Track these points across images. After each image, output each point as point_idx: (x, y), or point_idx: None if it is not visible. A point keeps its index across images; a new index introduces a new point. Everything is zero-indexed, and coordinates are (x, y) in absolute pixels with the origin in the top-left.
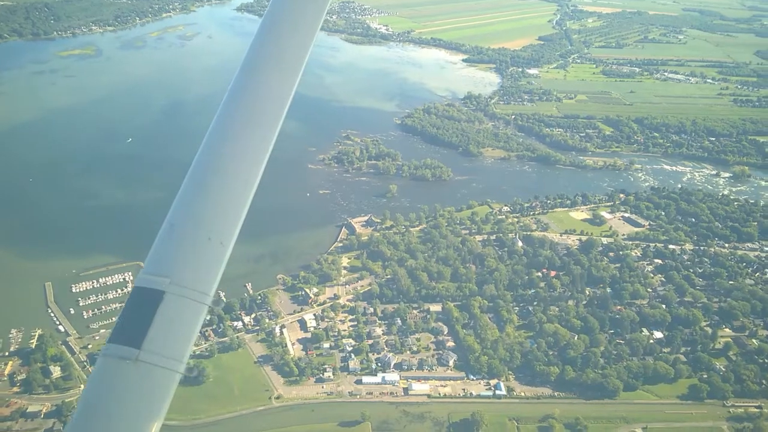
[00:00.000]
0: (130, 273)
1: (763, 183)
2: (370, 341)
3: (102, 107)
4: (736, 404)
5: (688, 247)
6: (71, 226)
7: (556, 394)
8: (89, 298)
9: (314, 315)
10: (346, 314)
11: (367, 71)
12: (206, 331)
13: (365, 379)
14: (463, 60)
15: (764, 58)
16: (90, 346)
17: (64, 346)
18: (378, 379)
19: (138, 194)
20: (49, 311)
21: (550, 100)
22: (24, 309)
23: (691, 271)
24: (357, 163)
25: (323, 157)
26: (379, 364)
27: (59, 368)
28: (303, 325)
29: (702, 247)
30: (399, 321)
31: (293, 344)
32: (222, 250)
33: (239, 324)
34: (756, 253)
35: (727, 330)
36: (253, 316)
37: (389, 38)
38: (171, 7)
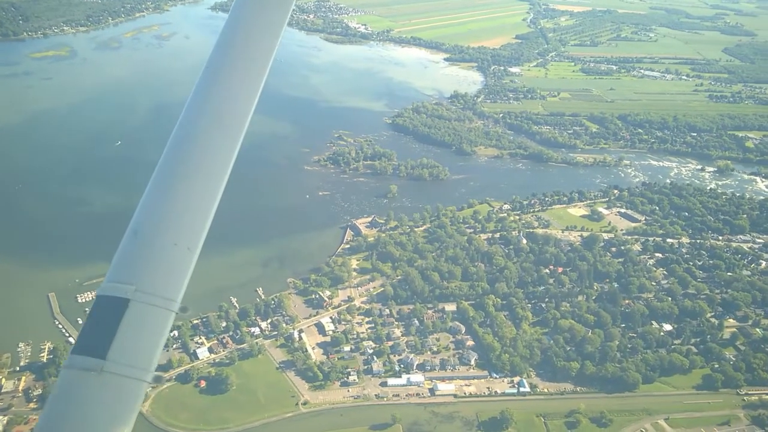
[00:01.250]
0: None
1: (745, 176)
2: (390, 343)
3: (86, 110)
4: (749, 392)
5: (685, 240)
6: (68, 235)
7: (578, 389)
8: None
9: (331, 318)
10: (362, 316)
11: (352, 71)
12: (224, 338)
13: (390, 381)
14: (445, 59)
15: (732, 55)
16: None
17: None
18: (403, 380)
19: (133, 199)
20: (57, 323)
21: (534, 98)
22: (30, 321)
23: (691, 263)
24: (353, 164)
25: (318, 158)
26: (402, 366)
27: None
28: (321, 328)
29: (698, 241)
30: (416, 321)
31: (313, 348)
32: (188, 256)
33: (256, 330)
34: (749, 245)
35: (731, 321)
36: (269, 321)
37: (369, 37)
38: (144, 6)
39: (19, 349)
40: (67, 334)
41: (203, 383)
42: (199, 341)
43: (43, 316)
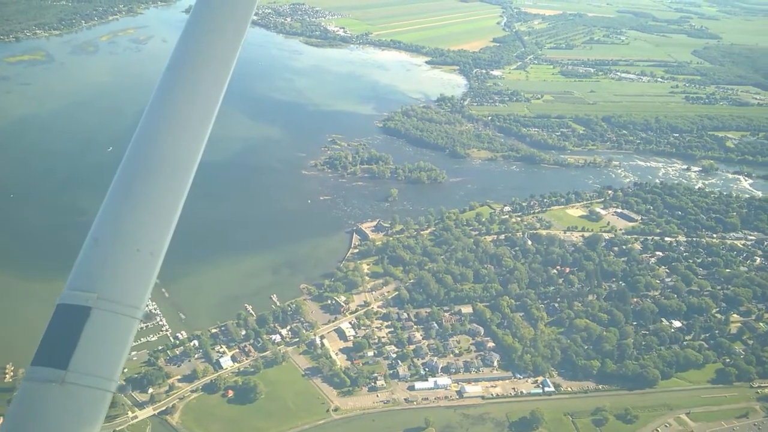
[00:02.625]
0: None
1: (729, 176)
2: (412, 346)
3: (71, 115)
4: (762, 385)
5: (681, 239)
6: (69, 245)
7: (599, 386)
8: None
9: (350, 323)
10: (380, 321)
11: (336, 74)
12: (245, 346)
13: (417, 384)
14: (426, 62)
15: (701, 57)
16: (126, 370)
17: None
18: (430, 384)
19: None
20: None
21: (519, 100)
22: (41, 334)
23: (690, 261)
24: (350, 168)
25: (315, 163)
26: (427, 369)
27: None
28: (341, 334)
29: (694, 239)
30: (435, 324)
31: (336, 354)
32: (152, 261)
33: (277, 337)
34: (742, 242)
35: (735, 316)
36: (288, 328)
37: (349, 41)
38: (116, 9)
39: None
40: None
41: (231, 393)
42: (221, 350)
43: None
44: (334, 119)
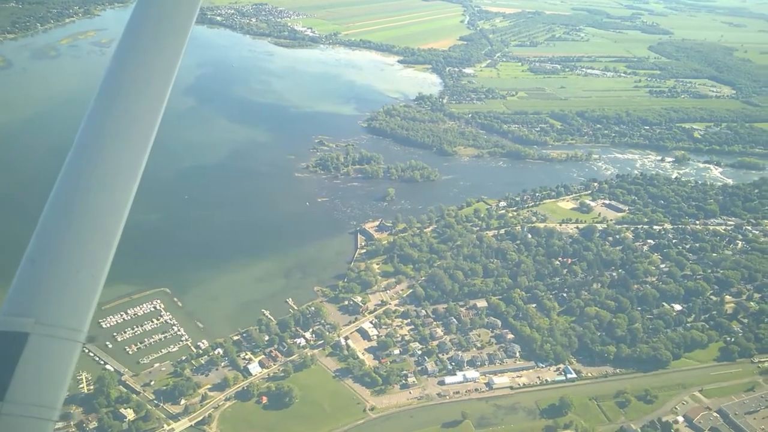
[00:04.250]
0: (158, 301)
1: (700, 165)
2: (435, 342)
3: (44, 124)
4: (762, 360)
5: (668, 226)
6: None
7: (617, 370)
8: (125, 333)
9: (371, 323)
10: (400, 319)
11: (311, 75)
12: (271, 351)
13: (447, 379)
14: (399, 61)
15: (657, 52)
16: (153, 383)
17: (121, 386)
18: (459, 377)
19: (129, 216)
20: (86, 351)
21: (495, 98)
22: None
23: (680, 248)
24: (343, 169)
25: (307, 165)
26: (454, 364)
27: (131, 410)
28: (364, 334)
29: (679, 226)
30: (454, 320)
31: (362, 354)
32: (93, 282)
33: (301, 341)
34: (723, 227)
35: (728, 297)
36: (310, 330)
37: (318, 41)
38: (72, 11)
39: None
40: (103, 362)
41: (265, 399)
42: (247, 357)
43: None
44: (317, 120)
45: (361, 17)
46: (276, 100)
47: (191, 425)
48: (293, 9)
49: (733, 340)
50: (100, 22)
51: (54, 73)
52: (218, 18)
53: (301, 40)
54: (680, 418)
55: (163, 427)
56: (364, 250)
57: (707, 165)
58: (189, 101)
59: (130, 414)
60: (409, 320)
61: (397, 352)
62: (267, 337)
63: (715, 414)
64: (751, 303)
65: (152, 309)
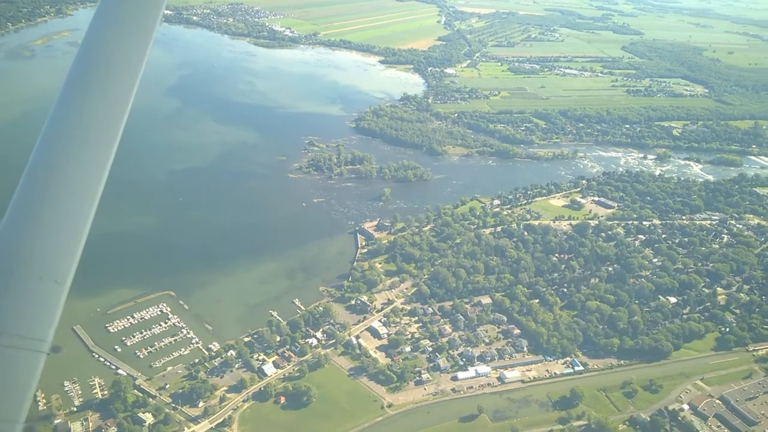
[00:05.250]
0: (164, 304)
1: (681, 162)
2: (445, 339)
3: (29, 126)
4: (757, 348)
5: (656, 222)
6: None
7: (621, 362)
8: (134, 337)
9: (380, 321)
10: (408, 317)
11: (295, 75)
12: (284, 351)
13: (460, 374)
14: (380, 61)
15: (630, 52)
16: (168, 386)
17: (136, 390)
18: (471, 373)
19: (125, 220)
20: (96, 356)
21: (478, 97)
22: (65, 358)
23: (670, 242)
24: (336, 169)
25: (299, 166)
26: (465, 359)
27: (150, 414)
28: (374, 332)
29: (667, 221)
30: (461, 317)
31: (374, 352)
32: (57, 290)
33: (313, 341)
34: (708, 222)
35: (719, 289)
36: (321, 330)
37: (298, 41)
38: (43, 10)
39: (66, 389)
40: (114, 367)
41: (283, 399)
42: (260, 358)
43: (79, 350)
44: (304, 121)
45: (337, 17)
46: (262, 100)
47: (212, 427)
48: (269, 9)
49: (728, 330)
50: (73, 22)
51: (31, 74)
52: (195, 18)
53: (281, 40)
54: (685, 406)
55: (183, 429)
56: (365, 250)
57: (687, 162)
58: (174, 103)
59: (148, 418)
60: (416, 318)
61: (408, 349)
62: (279, 338)
63: (717, 401)
64: (741, 294)
65: (159, 312)
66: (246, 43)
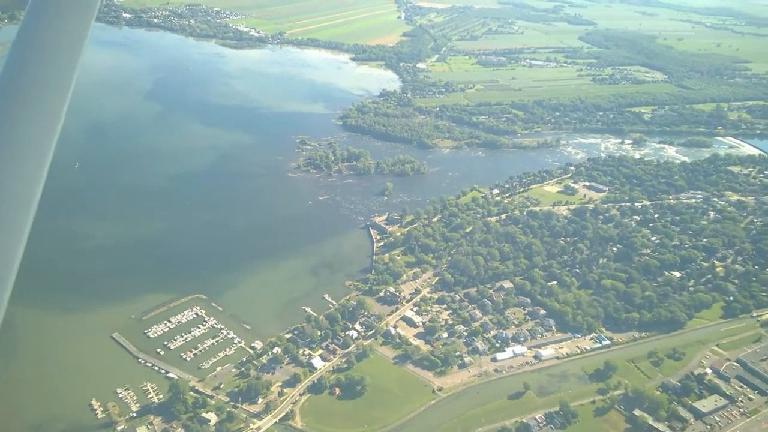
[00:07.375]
0: (198, 307)
1: (656, 145)
2: (477, 323)
3: None
4: (760, 314)
5: (647, 203)
6: (91, 273)
7: (642, 334)
8: (175, 340)
9: (412, 310)
10: (437, 305)
11: (270, 75)
12: (328, 345)
13: (498, 356)
14: (351, 59)
15: (588, 42)
16: (222, 386)
17: (191, 392)
18: (509, 353)
19: (139, 227)
20: (141, 361)
21: (455, 91)
22: (110, 365)
23: (663, 221)
24: (334, 167)
25: (297, 165)
26: (500, 341)
27: (213, 414)
28: (409, 321)
29: (657, 202)
30: (488, 301)
31: (414, 340)
32: None
33: (353, 333)
34: (693, 201)
35: (716, 262)
36: (358, 322)
37: (265, 41)
38: None
39: (120, 396)
40: (163, 371)
41: (337, 390)
42: (306, 353)
43: (122, 357)
44: (290, 120)
45: (298, 16)
46: (243, 101)
47: (276, 422)
48: (229, 9)
49: (732, 299)
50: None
51: None
52: (155, 20)
53: (248, 40)
54: (708, 370)
55: (249, 426)
56: (381, 243)
57: (662, 145)
58: (155, 107)
59: (212, 417)
60: (445, 305)
61: (445, 335)
62: (320, 332)
63: (735, 364)
64: (737, 265)
65: (194, 315)
66: (213, 45)
